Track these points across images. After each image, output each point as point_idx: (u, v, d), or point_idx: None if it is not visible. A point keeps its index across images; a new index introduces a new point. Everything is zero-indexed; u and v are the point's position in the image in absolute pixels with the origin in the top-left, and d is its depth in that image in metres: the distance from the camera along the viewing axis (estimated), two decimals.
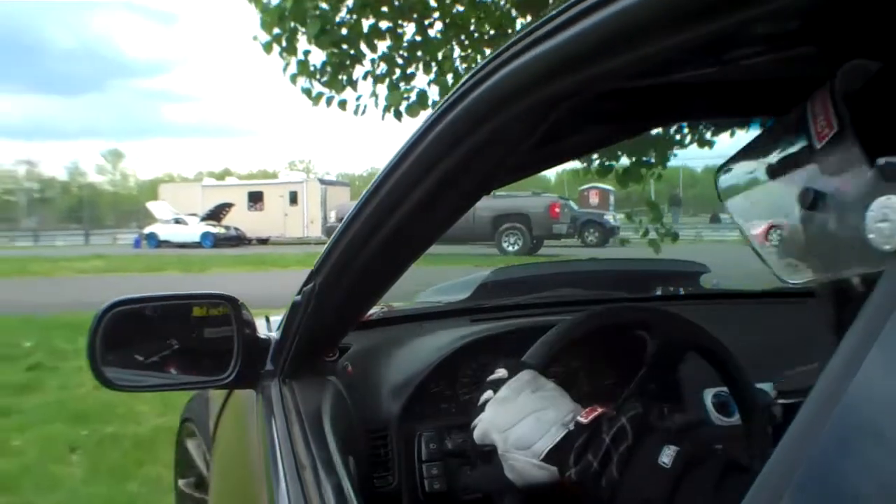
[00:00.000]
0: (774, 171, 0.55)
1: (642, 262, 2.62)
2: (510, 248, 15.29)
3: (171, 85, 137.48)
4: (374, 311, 1.34)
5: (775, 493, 0.29)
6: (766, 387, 1.25)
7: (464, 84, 0.59)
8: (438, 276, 1.93)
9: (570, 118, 0.60)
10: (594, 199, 22.12)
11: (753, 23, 0.39)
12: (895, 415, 0.26)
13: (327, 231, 18.70)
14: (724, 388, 1.12)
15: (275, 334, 1.13)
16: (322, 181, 27.12)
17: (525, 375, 0.85)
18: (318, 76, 4.35)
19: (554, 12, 0.48)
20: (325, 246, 0.92)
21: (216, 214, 24.18)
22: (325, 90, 4.38)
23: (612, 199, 21.26)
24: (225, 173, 38.54)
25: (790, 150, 0.54)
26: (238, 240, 23.21)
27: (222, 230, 23.52)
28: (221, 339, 1.07)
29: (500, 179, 0.77)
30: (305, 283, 0.98)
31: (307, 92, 4.40)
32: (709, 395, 1.24)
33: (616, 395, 1.08)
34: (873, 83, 0.49)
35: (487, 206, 14.43)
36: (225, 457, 1.44)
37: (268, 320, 1.33)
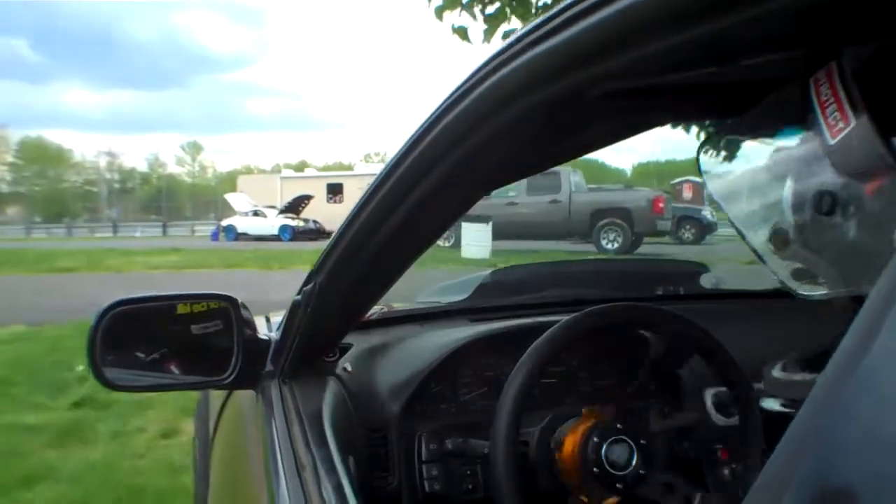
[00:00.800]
0: (775, 167, 0.50)
1: (642, 262, 2.62)
2: (609, 246, 14.19)
3: (252, 78, 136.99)
4: (374, 311, 1.35)
5: (775, 493, 0.29)
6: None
7: (464, 84, 0.59)
8: (438, 276, 1.92)
9: (570, 118, 0.60)
10: (688, 193, 20.23)
11: (753, 23, 0.39)
12: None
13: None
14: (724, 388, 1.12)
15: (275, 334, 1.13)
16: None
17: None
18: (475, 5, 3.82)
19: (554, 11, 0.48)
20: (325, 246, 0.92)
21: (295, 207, 23.59)
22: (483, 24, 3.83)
23: (706, 193, 19.89)
24: (302, 165, 38.35)
25: (791, 143, 0.49)
26: (317, 232, 22.14)
27: (301, 223, 23.01)
28: (221, 339, 1.07)
29: (500, 179, 0.76)
30: (305, 283, 0.98)
31: (460, 31, 3.88)
32: (709, 395, 1.24)
33: (616, 395, 1.08)
34: (873, 62, 0.44)
35: (585, 200, 14.15)
36: (225, 457, 1.44)
37: (268, 320, 1.33)
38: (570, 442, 1.02)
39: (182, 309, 1.13)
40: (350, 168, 36.78)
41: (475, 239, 11.76)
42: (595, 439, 1.01)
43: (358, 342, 1.23)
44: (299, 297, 1.00)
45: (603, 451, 1.00)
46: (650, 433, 1.05)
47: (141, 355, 1.09)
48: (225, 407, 1.51)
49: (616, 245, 14.36)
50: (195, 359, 1.11)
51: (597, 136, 0.78)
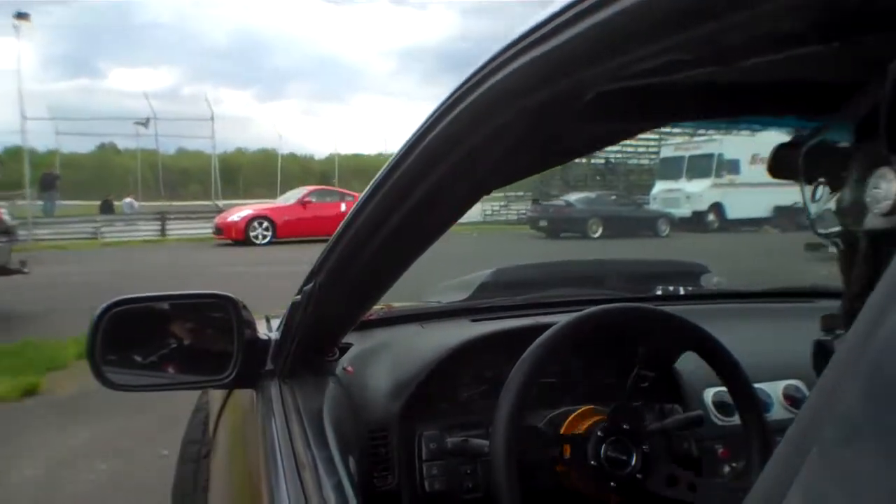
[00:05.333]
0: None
1: (642, 263, 2.62)
2: None
3: None
4: (374, 310, 1.35)
5: (776, 493, 0.29)
6: (766, 387, 1.25)
7: (464, 84, 0.60)
8: (439, 275, 1.92)
9: (566, 120, 0.60)
10: None
11: (752, 23, 0.39)
12: None
13: None
14: (724, 388, 1.12)
15: (275, 334, 1.13)
16: None
17: None
18: None
19: (555, 11, 0.48)
20: (326, 245, 0.92)
21: None
22: None
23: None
24: None
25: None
26: None
27: None
28: (221, 338, 1.07)
29: (499, 179, 0.77)
30: (305, 283, 0.98)
31: None
32: (709, 395, 1.24)
33: (616, 394, 1.08)
34: None
35: None
36: (225, 456, 1.44)
37: (268, 320, 1.33)
38: (570, 442, 1.02)
39: (182, 308, 1.13)
40: None
41: None
42: (595, 439, 1.01)
43: (358, 342, 1.23)
44: (299, 296, 1.00)
45: (603, 450, 1.00)
46: (650, 433, 1.05)
47: (141, 355, 1.09)
48: (225, 407, 1.51)
49: None
50: (195, 358, 1.11)
51: (593, 138, 0.78)
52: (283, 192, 18.83)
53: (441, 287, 1.82)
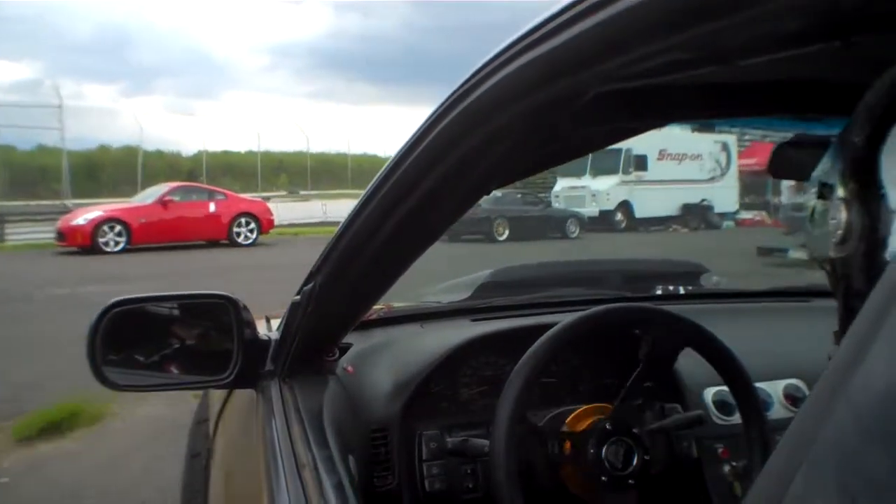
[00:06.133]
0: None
1: (642, 262, 2.62)
2: None
3: None
4: (374, 310, 1.35)
5: (776, 493, 0.29)
6: (766, 386, 1.25)
7: (464, 84, 0.60)
8: (438, 275, 1.92)
9: (566, 120, 0.60)
10: None
11: (752, 23, 0.39)
12: None
13: None
14: (725, 387, 1.12)
15: (275, 334, 1.13)
16: None
17: None
18: None
19: (549, 16, 0.48)
20: (325, 245, 0.92)
21: None
22: None
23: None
24: None
25: None
26: None
27: None
28: (221, 338, 1.07)
29: (499, 180, 0.77)
30: (305, 283, 0.98)
31: None
32: (709, 394, 1.24)
33: (617, 394, 1.08)
34: None
35: None
36: (225, 456, 1.44)
37: (268, 320, 1.33)
38: (568, 450, 1.02)
39: (182, 309, 1.13)
40: None
41: None
42: (595, 438, 1.01)
43: (358, 342, 1.24)
44: (299, 296, 1.00)
45: (603, 450, 1.00)
46: (650, 432, 1.05)
47: (141, 355, 1.09)
48: (225, 407, 1.51)
49: None
50: (195, 358, 1.11)
51: (593, 138, 0.78)
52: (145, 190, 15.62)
53: (441, 287, 1.83)
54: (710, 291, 1.89)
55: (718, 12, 0.38)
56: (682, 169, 18.04)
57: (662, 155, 17.68)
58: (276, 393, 1.04)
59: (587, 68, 0.47)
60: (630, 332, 1.21)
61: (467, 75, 0.59)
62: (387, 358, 1.26)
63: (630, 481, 1.00)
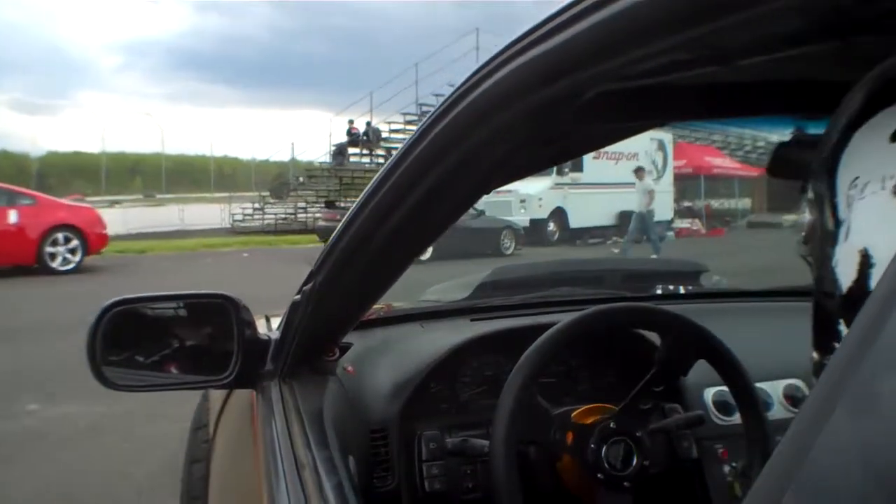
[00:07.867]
0: None
1: (642, 262, 2.62)
2: None
3: None
4: (374, 310, 1.35)
5: (776, 493, 0.29)
6: (766, 386, 1.25)
7: (464, 84, 0.60)
8: (438, 276, 1.92)
9: (566, 119, 0.60)
10: None
11: (752, 23, 0.39)
12: None
13: None
14: (725, 387, 1.12)
15: (274, 334, 1.13)
16: None
17: None
18: None
19: (549, 15, 0.48)
20: (325, 245, 0.92)
21: None
22: None
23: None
24: None
25: None
26: None
27: None
28: (221, 338, 1.07)
29: (499, 179, 0.77)
30: (305, 283, 0.98)
31: None
32: (709, 395, 1.24)
33: (616, 394, 1.08)
34: None
35: None
36: (225, 456, 1.44)
37: (268, 320, 1.33)
38: (570, 441, 1.02)
39: (182, 309, 1.13)
40: None
41: None
42: (595, 439, 1.01)
43: (358, 342, 1.24)
44: (299, 296, 1.00)
45: (603, 450, 1.00)
46: (650, 432, 1.05)
47: (141, 355, 1.09)
48: (225, 407, 1.51)
49: None
50: (195, 358, 1.11)
51: (594, 137, 0.78)
52: None
53: (441, 287, 1.83)
54: (710, 291, 1.89)
55: (718, 12, 0.38)
56: (619, 170, 14.41)
57: (598, 153, 14.31)
58: (276, 393, 1.04)
59: (587, 68, 0.47)
60: (630, 333, 1.21)
61: (469, 74, 0.59)
62: (387, 358, 1.26)
63: (626, 483, 0.99)
